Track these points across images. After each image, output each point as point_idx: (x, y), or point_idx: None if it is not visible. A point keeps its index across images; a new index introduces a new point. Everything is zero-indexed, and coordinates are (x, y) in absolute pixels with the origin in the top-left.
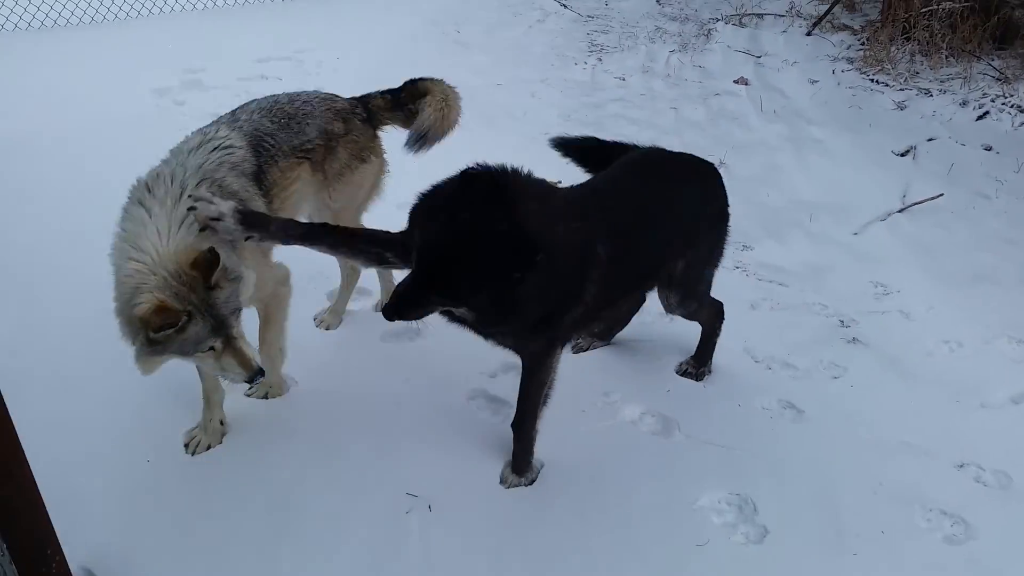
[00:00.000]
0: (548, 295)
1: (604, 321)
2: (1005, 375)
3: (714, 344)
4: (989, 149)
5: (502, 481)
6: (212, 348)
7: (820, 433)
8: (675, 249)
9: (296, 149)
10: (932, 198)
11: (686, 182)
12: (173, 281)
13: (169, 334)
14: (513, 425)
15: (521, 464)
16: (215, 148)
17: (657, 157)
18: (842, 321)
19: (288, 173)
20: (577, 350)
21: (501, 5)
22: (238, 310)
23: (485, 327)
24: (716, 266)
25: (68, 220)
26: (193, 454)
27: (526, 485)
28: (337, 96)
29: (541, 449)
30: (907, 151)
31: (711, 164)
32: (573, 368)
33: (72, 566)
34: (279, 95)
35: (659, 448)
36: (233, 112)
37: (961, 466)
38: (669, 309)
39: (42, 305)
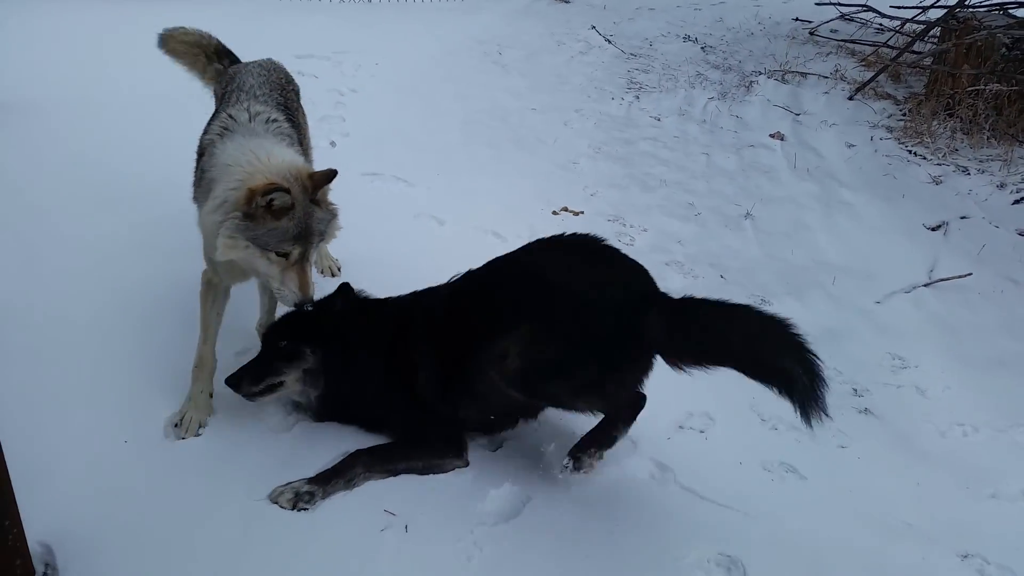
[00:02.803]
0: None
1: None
2: (1020, 466)
3: (613, 438)
4: (1023, 235)
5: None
6: (286, 255)
7: (821, 503)
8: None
9: (289, 110)
10: (960, 276)
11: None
12: (289, 177)
13: (265, 210)
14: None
15: (322, 475)
16: (267, 121)
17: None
18: (855, 390)
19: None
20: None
21: (546, 33)
22: (321, 237)
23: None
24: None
25: (80, 184)
26: (185, 435)
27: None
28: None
29: (529, 477)
30: (939, 226)
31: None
32: None
33: (30, 541)
34: (253, 65)
35: (652, 496)
36: (240, 88)
37: (965, 557)
38: None
39: (43, 269)
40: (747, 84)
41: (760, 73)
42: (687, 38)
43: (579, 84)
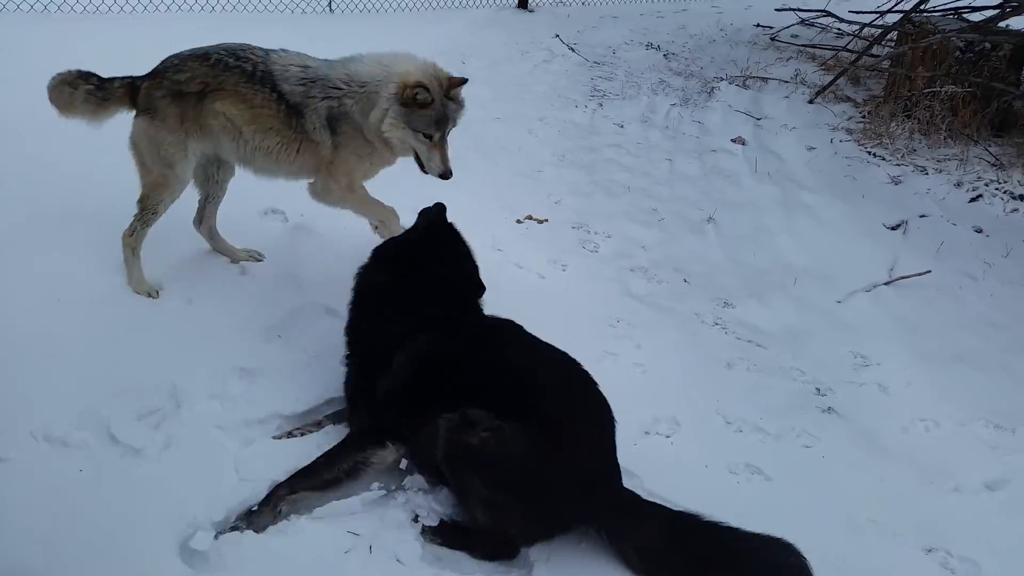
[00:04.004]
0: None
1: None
2: (980, 460)
3: (462, 546)
4: (980, 231)
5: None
6: (430, 137)
7: (786, 502)
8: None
9: None
10: (919, 274)
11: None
12: (431, 77)
13: (412, 101)
14: None
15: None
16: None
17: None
18: (818, 389)
19: None
20: None
21: (510, 42)
22: (454, 123)
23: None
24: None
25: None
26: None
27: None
28: None
29: None
30: (898, 225)
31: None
32: None
33: None
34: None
35: None
36: (239, 63)
37: (929, 551)
38: None
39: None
40: (709, 90)
41: (722, 79)
42: (650, 45)
43: (543, 92)
